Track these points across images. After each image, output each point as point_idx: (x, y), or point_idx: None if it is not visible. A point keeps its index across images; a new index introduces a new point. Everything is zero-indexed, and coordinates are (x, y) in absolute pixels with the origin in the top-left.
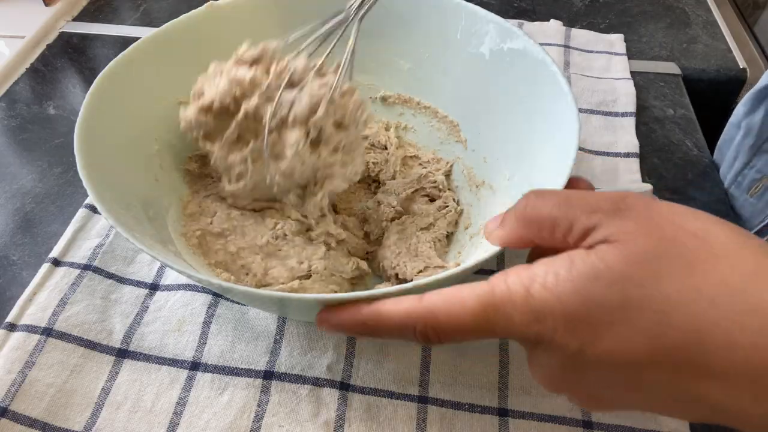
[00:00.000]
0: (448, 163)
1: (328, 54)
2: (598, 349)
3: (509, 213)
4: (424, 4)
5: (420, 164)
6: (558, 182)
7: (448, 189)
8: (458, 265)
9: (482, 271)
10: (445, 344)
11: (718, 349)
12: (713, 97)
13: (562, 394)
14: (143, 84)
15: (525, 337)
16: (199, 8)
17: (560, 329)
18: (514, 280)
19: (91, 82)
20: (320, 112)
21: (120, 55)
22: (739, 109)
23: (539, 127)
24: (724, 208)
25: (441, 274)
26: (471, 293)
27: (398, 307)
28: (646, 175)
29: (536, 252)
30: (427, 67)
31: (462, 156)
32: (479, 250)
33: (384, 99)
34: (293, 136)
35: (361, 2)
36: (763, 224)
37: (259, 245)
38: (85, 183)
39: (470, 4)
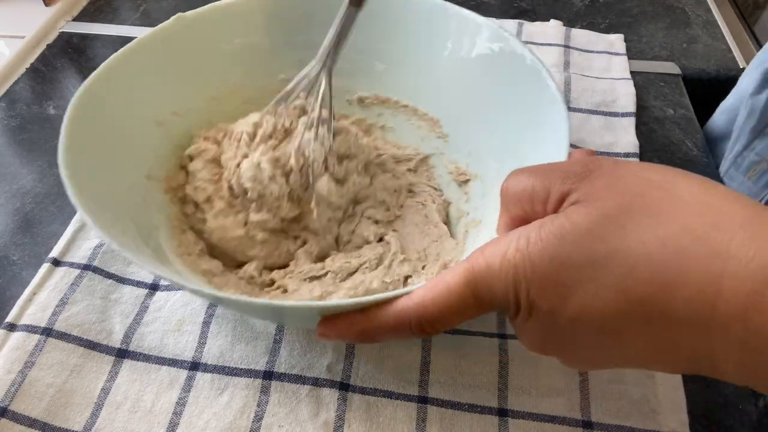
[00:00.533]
0: (418, 154)
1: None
2: (570, 308)
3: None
4: (396, 3)
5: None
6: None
7: (428, 185)
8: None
9: None
10: (443, 330)
11: (684, 298)
12: (713, 97)
13: (552, 357)
14: (119, 103)
15: (507, 305)
16: (167, 21)
17: (534, 290)
18: (491, 251)
19: None
20: (332, 160)
21: (93, 75)
22: (745, 84)
23: (525, 119)
24: None
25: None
26: (453, 275)
27: (391, 310)
28: None
29: None
30: (402, 66)
31: (446, 152)
32: (479, 242)
33: (361, 100)
34: (323, 185)
35: (329, 53)
36: None
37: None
38: (80, 210)
39: (441, 1)
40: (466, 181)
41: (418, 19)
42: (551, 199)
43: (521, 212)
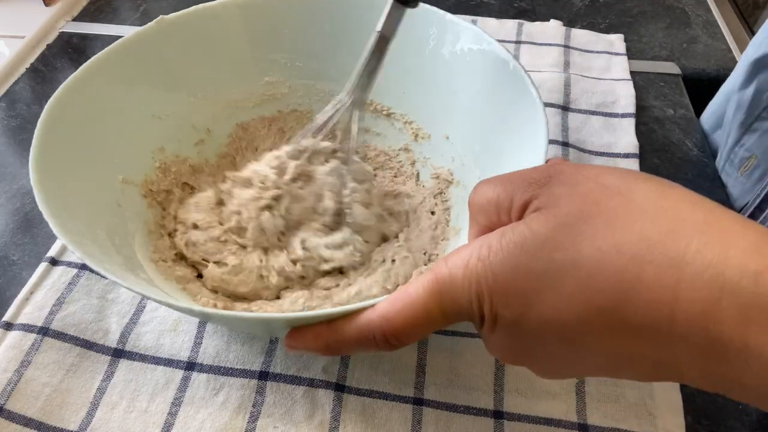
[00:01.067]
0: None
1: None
2: (532, 317)
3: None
4: (375, 6)
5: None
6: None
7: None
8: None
9: None
10: (410, 343)
11: (642, 307)
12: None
13: (522, 367)
14: (97, 106)
15: (472, 316)
16: (148, 23)
17: (496, 301)
18: (453, 261)
19: None
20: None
21: (70, 77)
22: (734, 78)
23: (505, 125)
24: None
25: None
26: (418, 287)
27: (354, 323)
28: None
29: None
30: (384, 71)
31: (430, 156)
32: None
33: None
34: (359, 213)
35: (359, 84)
36: (752, 204)
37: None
38: (47, 217)
39: (423, 5)
40: (448, 187)
41: (405, 21)
42: (514, 207)
43: (488, 222)
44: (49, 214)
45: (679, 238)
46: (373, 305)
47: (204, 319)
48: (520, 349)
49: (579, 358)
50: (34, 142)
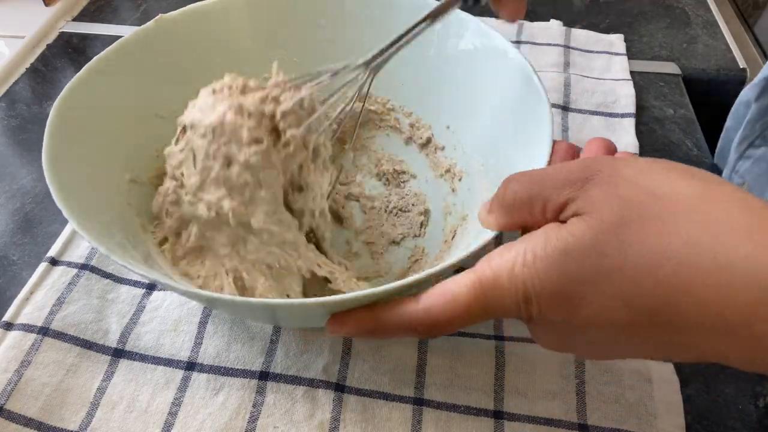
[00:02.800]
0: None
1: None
2: (581, 317)
3: (494, 200)
4: (380, 2)
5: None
6: (540, 157)
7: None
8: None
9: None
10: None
11: (690, 308)
12: (713, 97)
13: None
14: (101, 107)
15: (519, 315)
16: (148, 23)
17: (544, 306)
18: (498, 263)
19: None
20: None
21: (74, 78)
22: (739, 104)
23: (509, 114)
24: None
25: (435, 268)
26: (461, 287)
27: (397, 314)
28: None
29: (527, 231)
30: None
31: (431, 147)
32: (467, 237)
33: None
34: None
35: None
36: None
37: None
38: (67, 215)
39: None
40: (452, 176)
41: (402, 18)
42: (550, 208)
43: (521, 220)
44: (68, 213)
45: (726, 242)
46: (415, 297)
47: (235, 313)
48: (568, 342)
49: (626, 347)
50: (45, 142)
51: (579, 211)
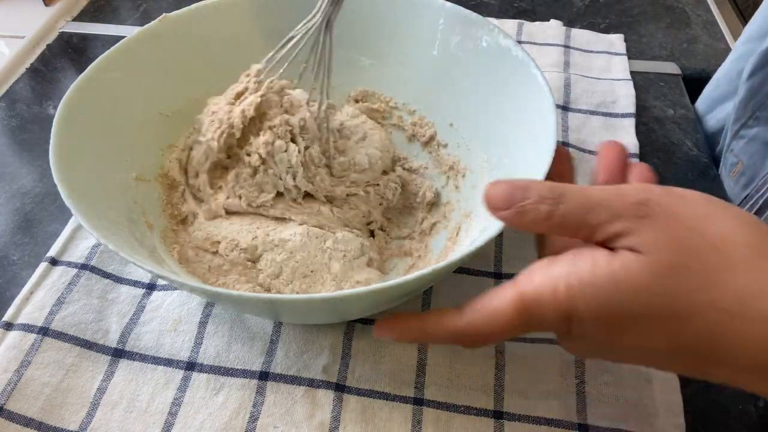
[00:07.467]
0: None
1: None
2: (624, 342)
3: (537, 215)
4: (381, 1)
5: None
6: (541, 165)
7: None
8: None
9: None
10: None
11: (728, 351)
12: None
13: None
14: (106, 106)
15: (557, 331)
16: (152, 22)
17: (588, 327)
18: (540, 281)
19: None
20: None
21: (80, 78)
22: (736, 62)
23: (512, 111)
24: None
25: (440, 264)
26: (503, 302)
27: (442, 326)
28: None
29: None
30: (389, 61)
31: (435, 144)
32: (471, 234)
33: (356, 101)
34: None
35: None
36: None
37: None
38: (75, 212)
39: None
40: (456, 173)
41: (405, 14)
42: (600, 234)
43: (562, 235)
44: (76, 211)
45: None
46: (459, 311)
47: (241, 309)
48: (599, 353)
49: (658, 365)
50: (52, 141)
51: (634, 248)
